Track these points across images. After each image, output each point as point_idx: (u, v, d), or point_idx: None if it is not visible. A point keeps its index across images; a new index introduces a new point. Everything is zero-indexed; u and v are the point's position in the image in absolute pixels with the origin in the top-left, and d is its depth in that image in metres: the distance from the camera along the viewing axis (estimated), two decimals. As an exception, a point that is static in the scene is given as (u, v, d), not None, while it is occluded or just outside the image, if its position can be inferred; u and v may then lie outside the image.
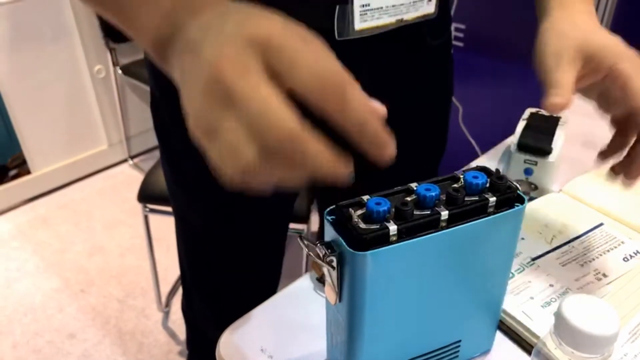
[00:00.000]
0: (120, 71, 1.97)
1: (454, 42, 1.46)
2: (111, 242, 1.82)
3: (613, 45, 0.43)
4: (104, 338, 1.48)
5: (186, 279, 0.81)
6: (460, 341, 0.41)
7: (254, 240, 0.69)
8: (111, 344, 1.47)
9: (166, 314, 1.56)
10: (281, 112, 0.25)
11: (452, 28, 1.45)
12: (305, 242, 0.34)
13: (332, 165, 0.27)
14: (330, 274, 0.34)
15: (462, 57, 1.44)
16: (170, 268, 1.70)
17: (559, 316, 0.33)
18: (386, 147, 0.28)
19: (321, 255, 0.33)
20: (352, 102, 0.26)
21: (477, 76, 1.45)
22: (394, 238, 0.32)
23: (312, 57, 0.26)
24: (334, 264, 0.33)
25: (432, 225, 0.33)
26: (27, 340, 1.48)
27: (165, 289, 1.61)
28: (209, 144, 0.27)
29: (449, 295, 0.37)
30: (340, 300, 0.35)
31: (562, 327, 0.33)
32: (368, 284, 0.33)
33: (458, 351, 0.41)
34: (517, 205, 0.35)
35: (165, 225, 1.87)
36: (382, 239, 0.32)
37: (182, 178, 0.65)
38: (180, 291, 1.62)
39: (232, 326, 0.47)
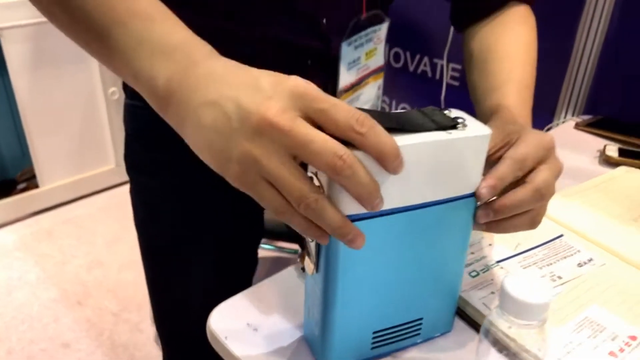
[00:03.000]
0: (133, 95, 2.07)
1: (450, 81, 1.55)
2: (111, 258, 1.87)
3: (528, 130, 0.47)
4: (97, 349, 1.51)
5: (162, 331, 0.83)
6: (422, 319, 0.46)
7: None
8: (103, 355, 1.50)
9: (160, 329, 1.59)
10: (337, 143, 0.33)
11: (449, 68, 1.54)
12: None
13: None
14: (309, 246, 0.40)
15: (458, 95, 1.52)
16: (166, 285, 1.74)
17: (502, 290, 0.39)
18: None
19: None
20: (379, 131, 0.34)
21: (471, 113, 1.53)
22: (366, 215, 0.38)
23: (337, 102, 0.34)
24: None
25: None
26: (22, 347, 1.51)
27: (160, 305, 1.65)
28: (258, 185, 0.34)
29: (411, 273, 0.42)
30: (317, 271, 0.41)
31: (504, 298, 0.38)
32: (341, 254, 0.38)
33: (420, 329, 0.46)
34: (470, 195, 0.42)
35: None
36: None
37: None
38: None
39: (222, 305, 0.52)
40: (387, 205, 0.37)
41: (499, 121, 0.53)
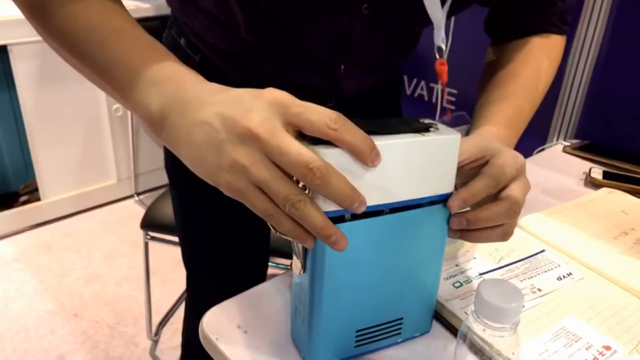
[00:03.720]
0: (136, 111, 2.11)
1: (447, 105, 1.59)
2: (109, 272, 1.89)
3: (504, 150, 0.49)
4: (91, 361, 1.52)
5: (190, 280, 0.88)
6: (402, 319, 0.48)
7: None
8: (98, 367, 1.50)
9: (155, 343, 1.60)
10: (310, 155, 0.36)
11: (446, 93, 1.59)
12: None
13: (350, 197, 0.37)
14: (297, 247, 0.43)
15: (455, 117, 1.56)
16: (163, 300, 1.75)
17: (477, 294, 0.41)
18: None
19: None
20: (351, 127, 0.37)
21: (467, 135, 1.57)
22: (349, 218, 0.41)
23: (311, 105, 0.38)
24: None
25: (378, 212, 0.42)
26: (18, 357, 1.52)
27: (156, 319, 1.66)
28: (247, 191, 0.37)
29: (392, 275, 0.45)
30: (304, 271, 0.43)
31: (478, 303, 0.41)
32: (327, 255, 0.41)
33: (401, 328, 0.49)
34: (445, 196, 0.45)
35: (163, 259, 1.95)
36: (340, 219, 0.41)
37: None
38: (170, 322, 1.67)
39: (215, 308, 0.55)
40: (367, 203, 0.39)
41: (478, 135, 0.56)
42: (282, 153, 0.36)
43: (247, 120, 0.37)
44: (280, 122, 0.37)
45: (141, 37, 0.47)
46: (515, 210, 0.47)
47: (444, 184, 0.44)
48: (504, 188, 0.47)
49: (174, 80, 0.43)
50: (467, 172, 0.48)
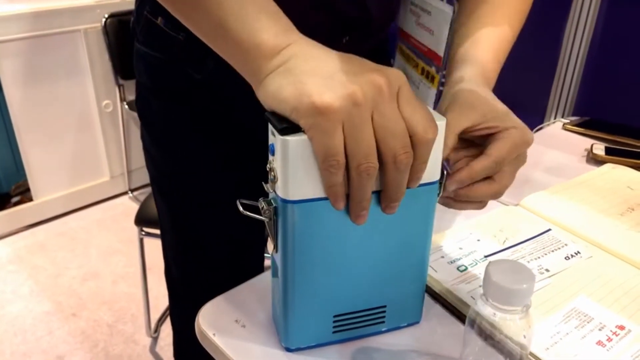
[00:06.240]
0: (126, 106, 2.07)
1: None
2: (105, 270, 1.86)
3: (513, 126, 0.48)
4: (91, 361, 1.50)
5: (173, 276, 0.85)
6: (385, 307, 0.46)
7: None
8: (98, 366, 1.48)
9: (155, 340, 1.58)
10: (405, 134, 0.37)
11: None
12: (243, 202, 0.41)
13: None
14: (269, 226, 0.41)
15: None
16: (161, 296, 1.73)
17: (485, 276, 0.39)
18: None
19: (261, 208, 0.40)
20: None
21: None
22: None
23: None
24: (271, 215, 0.40)
25: None
26: (16, 360, 1.50)
27: (155, 316, 1.64)
28: (354, 122, 0.35)
29: (372, 258, 0.42)
30: (276, 251, 0.42)
31: (487, 285, 0.39)
32: (296, 232, 0.39)
33: (384, 317, 0.46)
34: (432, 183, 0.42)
35: (159, 255, 1.92)
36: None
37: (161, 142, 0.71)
38: (168, 319, 1.64)
39: (211, 302, 0.52)
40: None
41: (474, 97, 0.50)
42: (416, 107, 0.37)
43: (381, 68, 0.37)
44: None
45: None
46: (502, 192, 0.48)
47: (428, 173, 0.40)
48: None
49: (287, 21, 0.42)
50: (470, 139, 0.48)
